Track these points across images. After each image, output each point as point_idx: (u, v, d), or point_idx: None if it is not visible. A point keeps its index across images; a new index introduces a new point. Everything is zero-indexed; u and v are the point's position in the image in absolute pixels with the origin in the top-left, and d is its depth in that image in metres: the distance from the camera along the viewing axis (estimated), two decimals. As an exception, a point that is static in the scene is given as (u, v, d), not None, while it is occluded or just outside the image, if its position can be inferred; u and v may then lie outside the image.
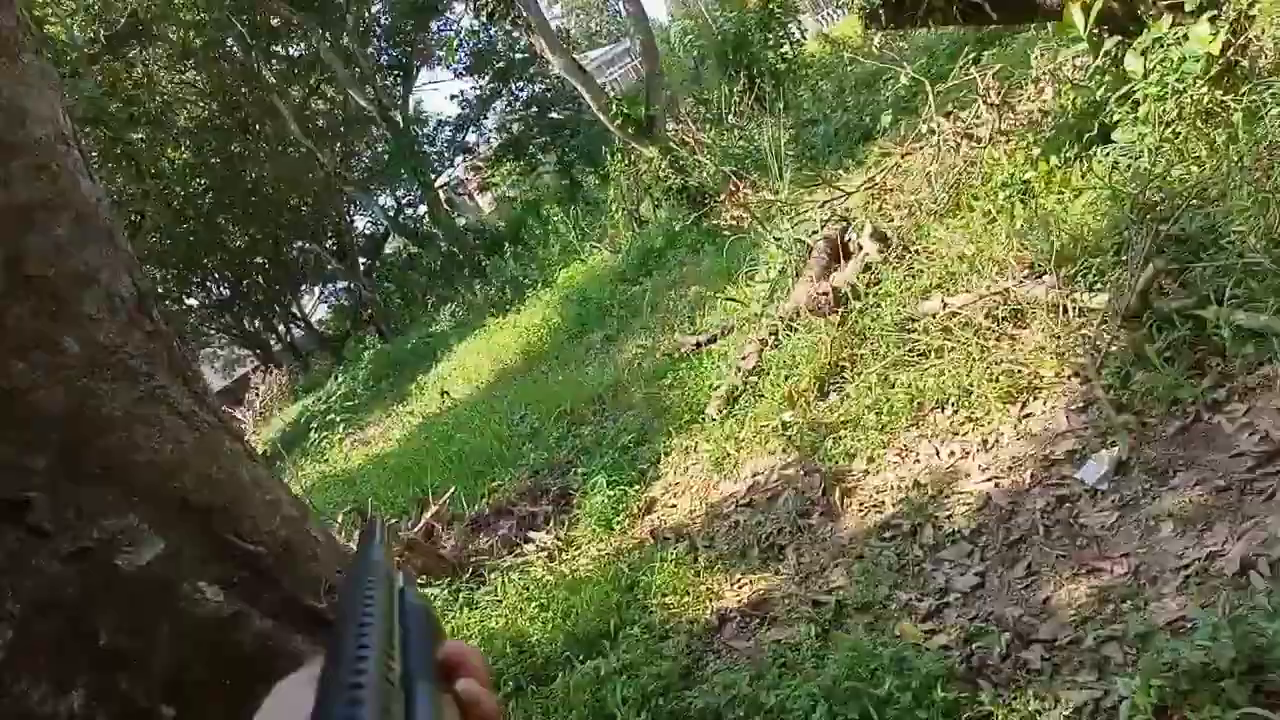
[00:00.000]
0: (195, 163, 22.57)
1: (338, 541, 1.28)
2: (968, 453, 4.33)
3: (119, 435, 1.16)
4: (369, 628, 0.48)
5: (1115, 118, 5.39)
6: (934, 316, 5.08)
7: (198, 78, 23.23)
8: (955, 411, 4.59)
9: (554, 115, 25.17)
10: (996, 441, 4.27)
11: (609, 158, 14.93)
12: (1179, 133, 4.87)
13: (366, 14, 25.19)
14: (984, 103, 6.77)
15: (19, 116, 1.22)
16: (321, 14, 22.38)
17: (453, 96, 33.52)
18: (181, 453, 1.20)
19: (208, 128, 23.45)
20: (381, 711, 0.41)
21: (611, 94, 16.77)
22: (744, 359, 6.19)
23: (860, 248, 6.27)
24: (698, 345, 7.23)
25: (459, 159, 26.72)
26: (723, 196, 8.12)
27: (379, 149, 27.26)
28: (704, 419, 6.21)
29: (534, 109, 25.06)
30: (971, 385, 4.57)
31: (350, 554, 1.31)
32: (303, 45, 24.98)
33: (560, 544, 5.85)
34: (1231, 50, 4.83)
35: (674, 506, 5.71)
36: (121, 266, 1.31)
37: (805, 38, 19.89)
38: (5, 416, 1.12)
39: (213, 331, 28.53)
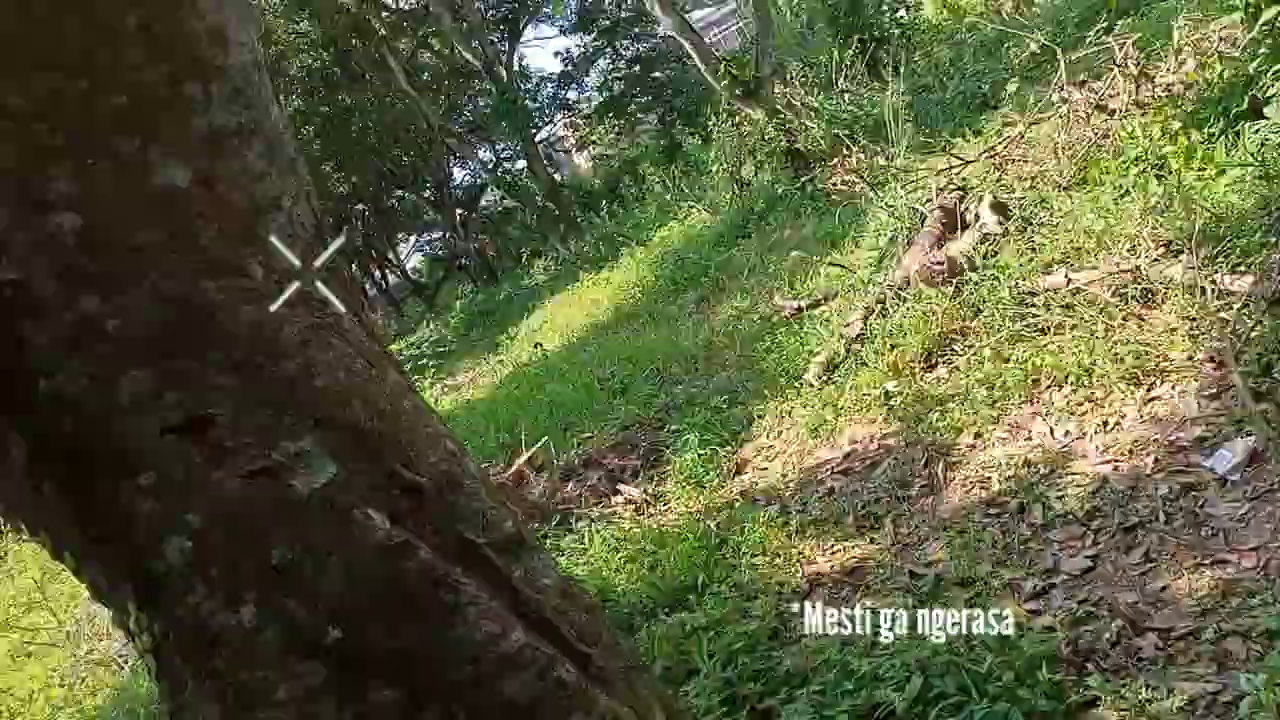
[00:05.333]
0: (305, 110, 23.12)
1: (490, 478, 1.28)
2: (1085, 433, 4.16)
3: (297, 360, 1.19)
4: None
5: (1270, 93, 5.04)
6: (1056, 292, 4.88)
7: (311, 28, 23.72)
8: (1074, 390, 4.41)
9: (656, 75, 24.96)
10: (1118, 424, 4.09)
11: (712, 118, 14.72)
12: (1343, 109, 4.53)
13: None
14: (1120, 72, 6.41)
15: (220, 41, 1.24)
16: (434, -34, 22.55)
17: (557, 53, 33.55)
18: (354, 381, 1.21)
19: (318, 77, 23.98)
20: None
21: (718, 54, 16.51)
22: (848, 326, 6.07)
23: (978, 218, 6.06)
24: (798, 310, 7.12)
25: (559, 115, 26.80)
26: (834, 161, 7.92)
27: (481, 103, 27.50)
28: (801, 384, 6.12)
29: (637, 68, 24.90)
30: (1093, 364, 4.38)
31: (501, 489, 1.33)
32: (412, -2, 25.29)
33: (649, 498, 5.87)
34: None
35: (766, 469, 5.67)
36: (302, 195, 1.33)
37: (922, 2, 19.23)
38: (193, 335, 1.15)
39: (311, 273, 29.31)
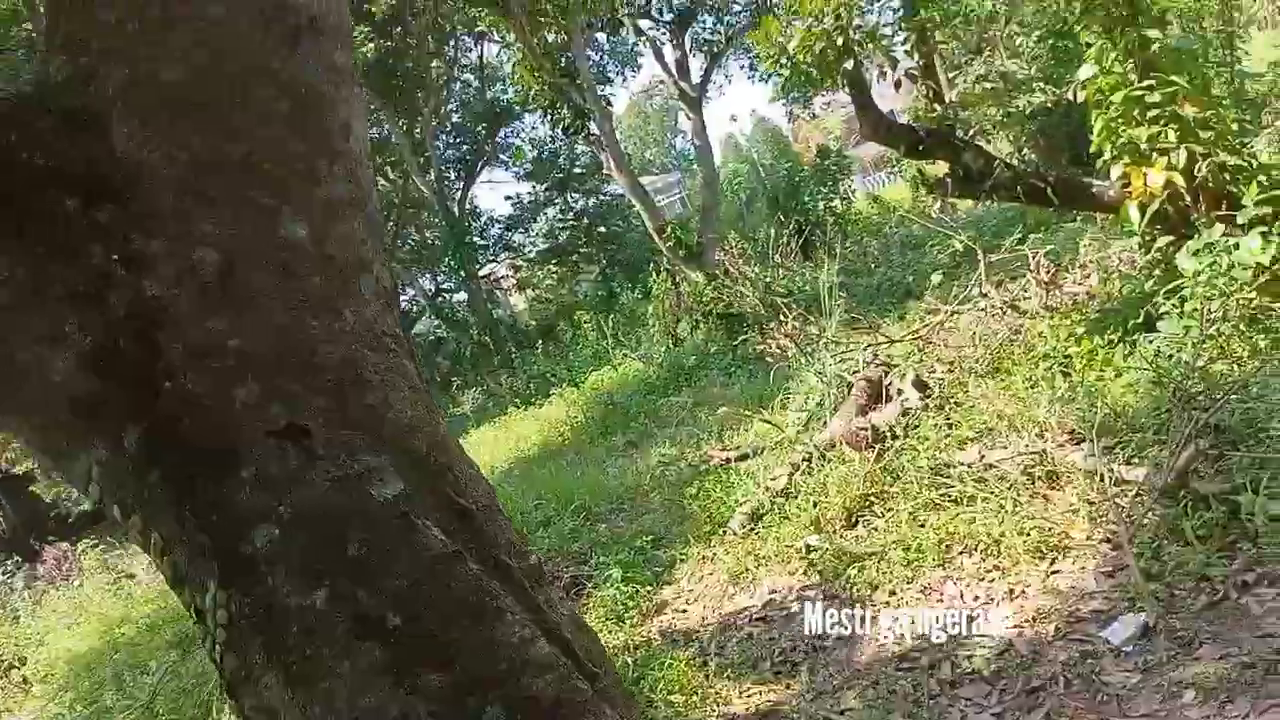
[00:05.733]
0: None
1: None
2: (992, 599, 4.42)
3: (375, 394, 1.39)
4: None
5: (1162, 309, 5.69)
6: (970, 466, 5.25)
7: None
8: (983, 559, 4.70)
9: (602, 229, 26.08)
10: (1023, 593, 4.37)
11: (653, 275, 15.45)
12: (1223, 331, 5.14)
13: (443, 110, 26.49)
14: (1033, 277, 7.12)
15: (346, 132, 1.53)
16: (400, 104, 23.58)
17: (508, 197, 34.67)
18: (416, 417, 1.41)
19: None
20: None
21: (664, 219, 17.50)
22: (774, 479, 6.33)
23: (900, 392, 6.50)
24: (726, 460, 7.38)
25: (504, 255, 27.56)
26: (771, 325, 8.43)
27: (428, 233, 28.14)
28: (725, 532, 6.29)
29: (585, 220, 26.00)
30: (1002, 536, 4.69)
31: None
32: (376, 130, 26.22)
33: (567, 631, 5.85)
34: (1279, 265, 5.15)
35: (685, 612, 5.74)
36: (384, 263, 1.57)
37: (853, 196, 20.80)
38: (300, 361, 1.37)
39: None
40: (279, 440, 1.28)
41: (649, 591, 6.05)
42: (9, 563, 17.88)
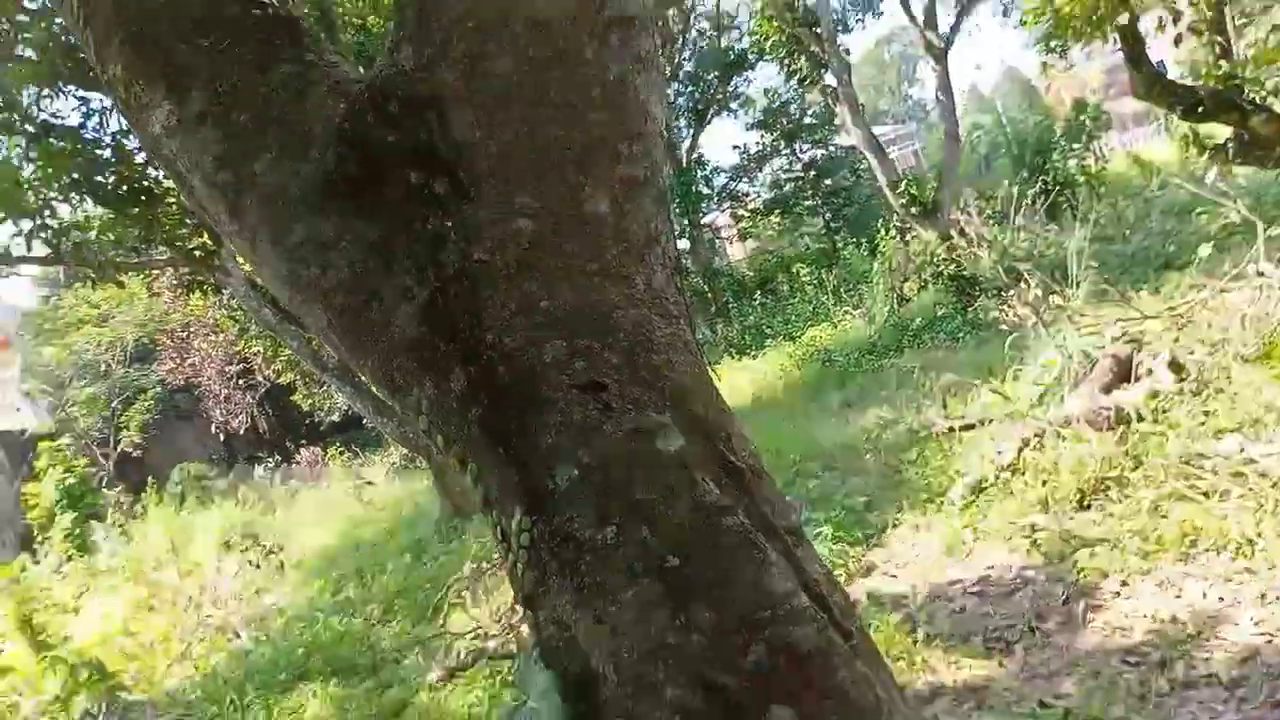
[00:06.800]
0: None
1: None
2: (1240, 601, 4.12)
3: (662, 356, 1.57)
4: None
5: None
6: (1227, 459, 4.86)
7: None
8: (1234, 559, 4.38)
9: (828, 181, 25.49)
10: (1276, 599, 4.05)
11: (881, 231, 15.02)
12: None
13: (677, 59, 26.67)
14: (1324, 256, 6.36)
15: (644, 115, 1.73)
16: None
17: (735, 147, 34.54)
18: (695, 380, 1.60)
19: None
20: None
21: (900, 172, 16.89)
22: (1000, 453, 6.13)
23: (1151, 372, 6.07)
24: (950, 429, 7.21)
25: (727, 204, 27.61)
26: (1008, 292, 8.04)
27: (656, 179, 28.61)
28: (942, 502, 6.19)
29: (811, 172, 25.51)
30: (1257, 536, 4.35)
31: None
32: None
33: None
34: None
35: (895, 577, 5.74)
36: (672, 235, 1.77)
37: (1109, 155, 19.09)
38: (599, 323, 1.57)
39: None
40: (580, 393, 1.48)
41: (859, 553, 6.09)
42: (270, 461, 20.57)
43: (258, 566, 10.96)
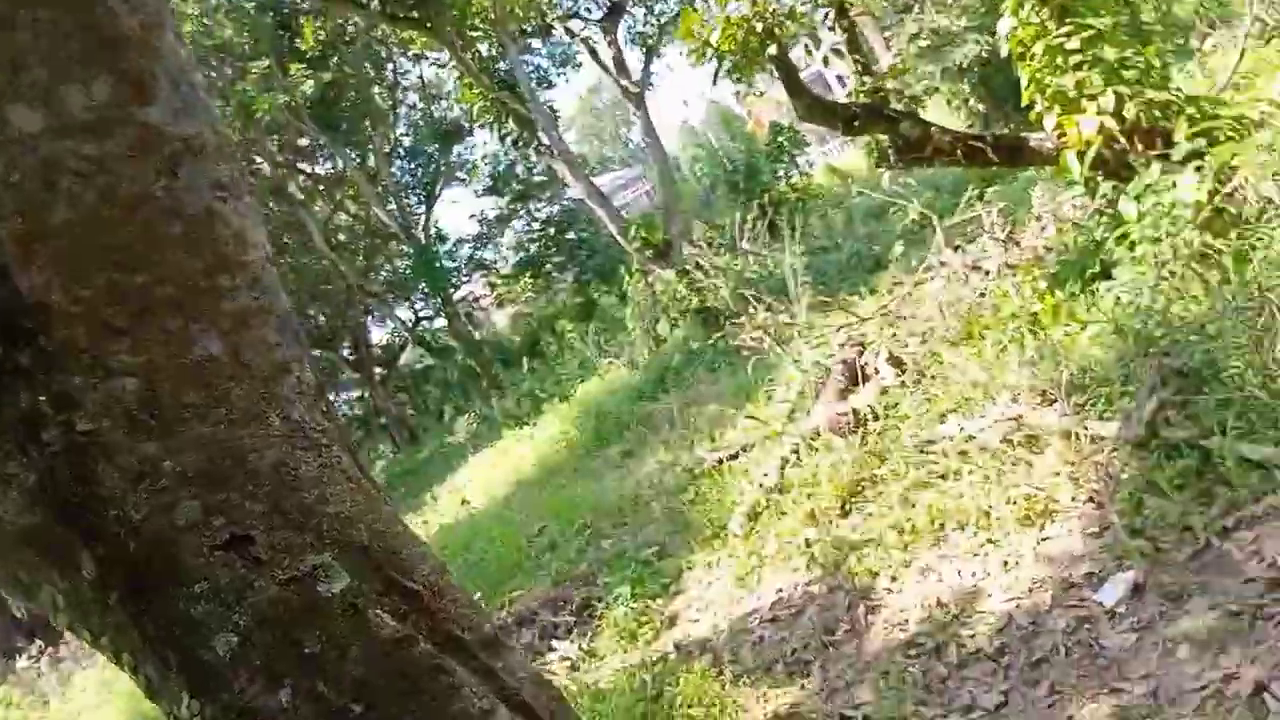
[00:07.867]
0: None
1: (464, 589, 1.60)
2: (989, 573, 4.50)
3: (312, 492, 1.49)
4: None
5: (1115, 256, 5.77)
6: (951, 440, 5.32)
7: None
8: (975, 533, 4.77)
9: (570, 236, 26.12)
10: (1017, 563, 4.45)
11: (626, 278, 15.50)
12: (1175, 272, 5.21)
13: (392, 136, 26.46)
14: (990, 238, 7.20)
15: (242, 243, 1.63)
16: (348, 135, 23.54)
17: (472, 216, 34.62)
18: (356, 508, 1.52)
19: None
20: None
21: (627, 217, 17.52)
22: (765, 476, 6.40)
23: (877, 371, 6.58)
24: (719, 461, 7.45)
25: (477, 274, 27.58)
26: (741, 319, 8.50)
27: (399, 263, 28.13)
28: (726, 534, 6.36)
29: (551, 229, 26.03)
30: (990, 507, 4.77)
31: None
32: (329, 164, 26.19)
33: (584, 654, 5.93)
34: (1218, 198, 5.22)
35: (697, 621, 5.82)
36: (306, 361, 1.68)
37: (813, 169, 20.86)
38: (233, 471, 1.46)
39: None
40: (224, 552, 1.39)
41: (660, 605, 6.12)
42: (34, 645, 17.95)
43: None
